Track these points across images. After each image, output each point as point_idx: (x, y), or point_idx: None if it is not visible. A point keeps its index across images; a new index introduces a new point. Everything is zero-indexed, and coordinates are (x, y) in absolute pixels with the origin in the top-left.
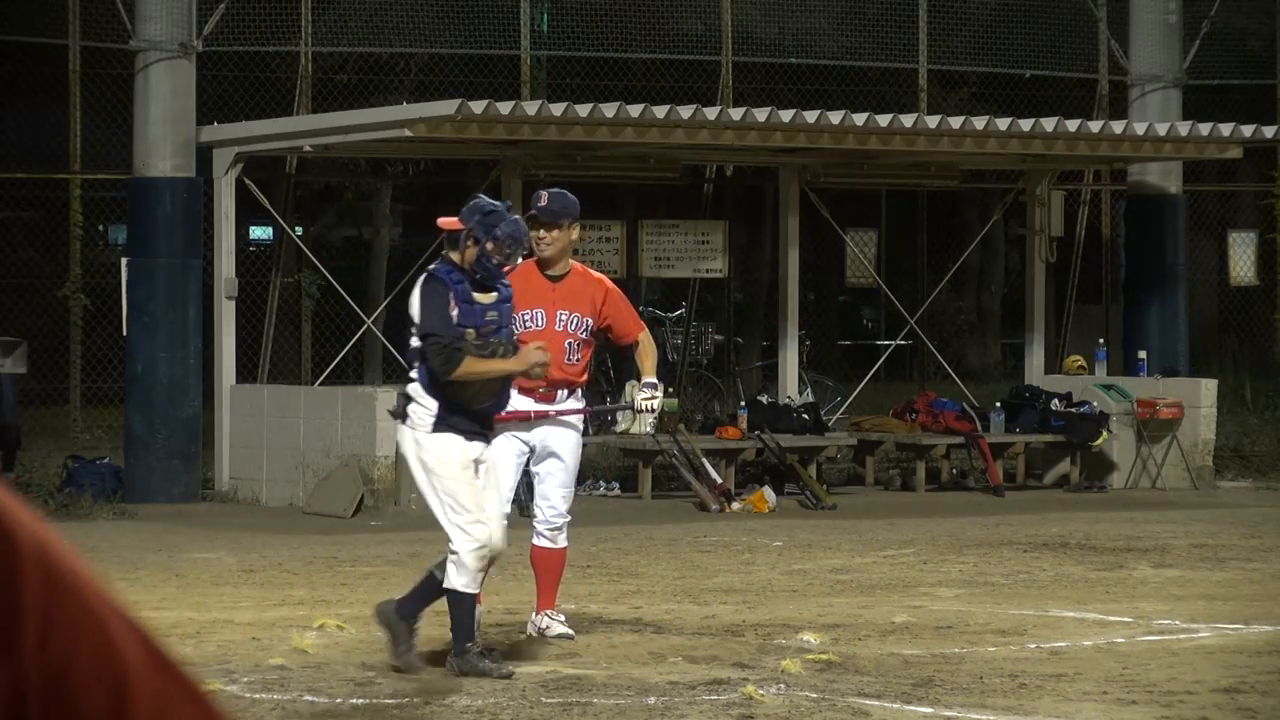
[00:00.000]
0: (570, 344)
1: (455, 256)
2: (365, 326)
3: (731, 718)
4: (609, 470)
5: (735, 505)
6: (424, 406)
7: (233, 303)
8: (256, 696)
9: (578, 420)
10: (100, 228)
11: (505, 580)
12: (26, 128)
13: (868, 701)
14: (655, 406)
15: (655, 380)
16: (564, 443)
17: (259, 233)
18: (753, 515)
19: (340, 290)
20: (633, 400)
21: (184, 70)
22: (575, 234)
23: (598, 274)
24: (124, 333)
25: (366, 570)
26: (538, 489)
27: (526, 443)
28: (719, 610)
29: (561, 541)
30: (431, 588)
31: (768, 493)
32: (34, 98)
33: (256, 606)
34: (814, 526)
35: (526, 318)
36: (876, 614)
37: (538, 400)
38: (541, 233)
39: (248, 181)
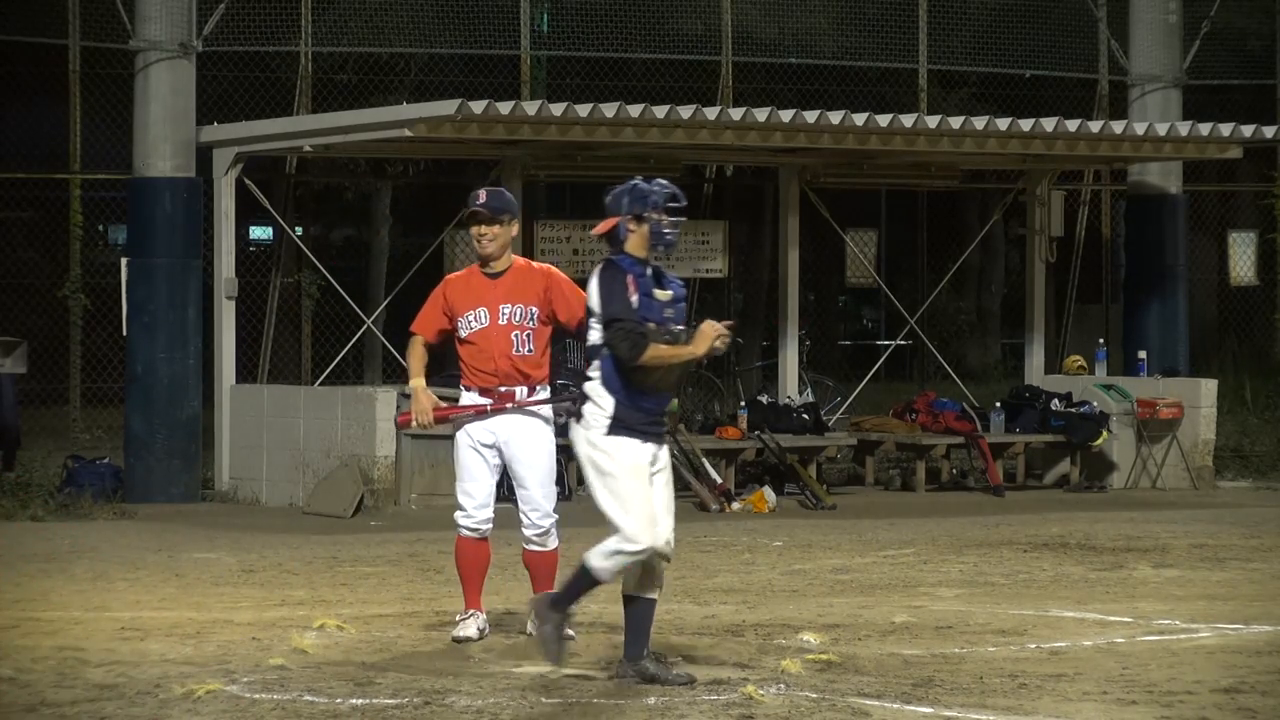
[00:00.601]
0: (518, 335)
1: (629, 249)
2: (365, 326)
3: (731, 718)
4: None
5: (735, 505)
6: (600, 408)
7: (233, 303)
8: (256, 696)
9: (546, 417)
10: (100, 228)
11: (505, 580)
12: (26, 128)
13: (868, 701)
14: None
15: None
16: (533, 443)
17: (259, 233)
18: (753, 515)
19: (340, 290)
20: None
21: (184, 70)
22: (515, 230)
23: (541, 264)
24: (124, 333)
25: (366, 570)
26: (518, 494)
27: (490, 445)
28: (719, 610)
29: (551, 543)
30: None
31: (768, 493)
32: (34, 98)
33: (256, 606)
34: (814, 526)
35: (471, 318)
36: (876, 614)
37: (496, 400)
38: (482, 229)
39: (248, 181)
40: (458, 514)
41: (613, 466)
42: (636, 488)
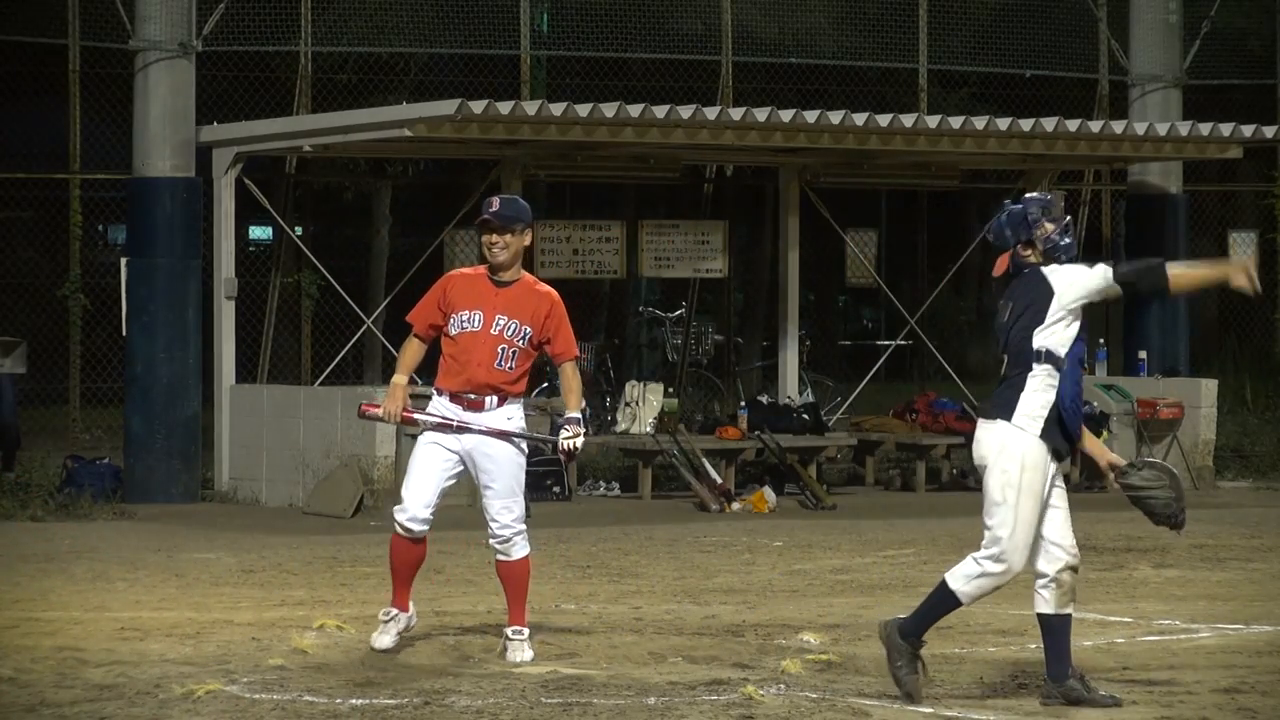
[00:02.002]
0: (503, 349)
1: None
2: (365, 326)
3: (731, 718)
4: (609, 470)
5: (735, 505)
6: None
7: (232, 303)
8: (256, 696)
9: (519, 428)
10: (100, 228)
11: None
12: (26, 128)
13: (868, 701)
14: (577, 445)
15: (577, 416)
16: (497, 453)
17: (259, 233)
18: (753, 515)
19: (340, 290)
20: (557, 438)
21: (184, 70)
22: (528, 239)
23: (546, 287)
24: (124, 333)
25: (366, 570)
26: (483, 502)
27: (453, 450)
28: (719, 610)
29: (516, 553)
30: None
31: (768, 493)
32: (34, 98)
33: (256, 606)
34: (814, 526)
35: (464, 318)
36: (876, 614)
37: (465, 408)
38: (494, 237)
39: (247, 181)
40: (396, 509)
41: (1021, 480)
42: (1032, 508)
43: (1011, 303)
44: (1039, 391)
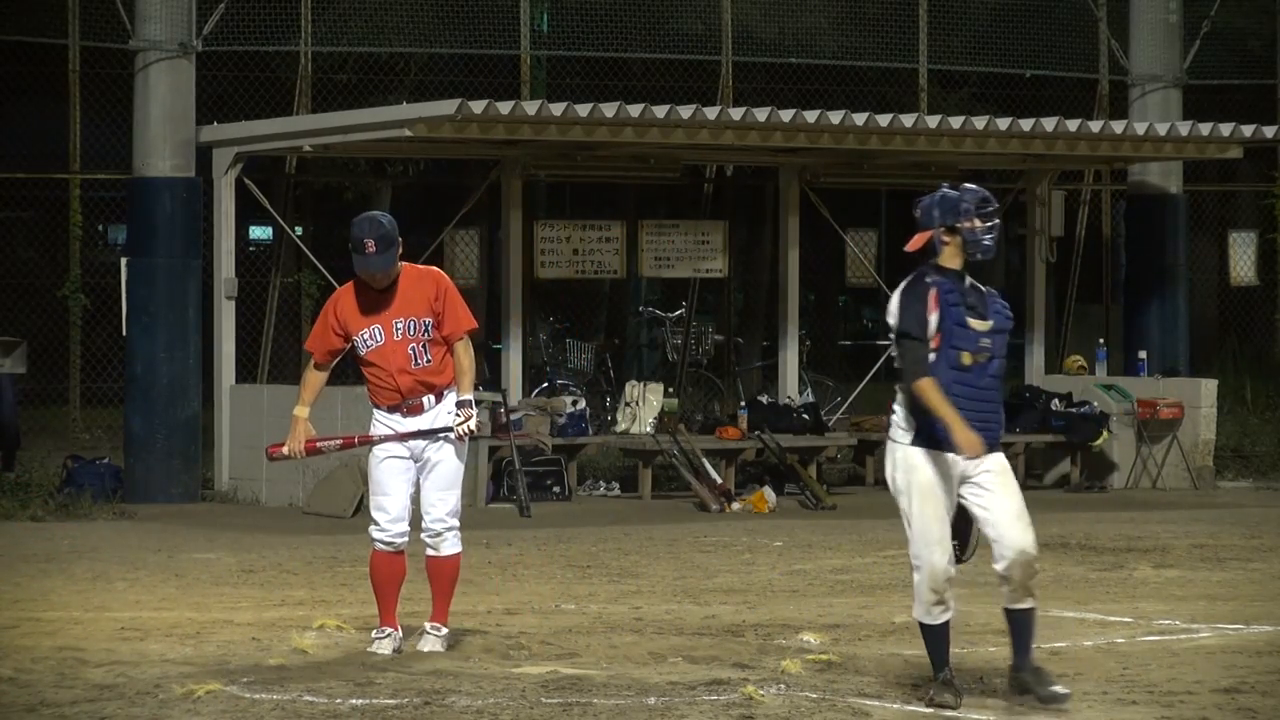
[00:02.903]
0: (414, 349)
1: (943, 262)
2: None
3: (731, 718)
4: (609, 470)
5: (735, 505)
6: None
7: (232, 303)
8: (256, 696)
9: (446, 427)
10: (100, 228)
11: (504, 580)
12: (26, 128)
13: (868, 701)
14: (471, 428)
15: (469, 398)
16: (437, 449)
17: (259, 233)
18: (753, 515)
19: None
20: (450, 427)
21: (184, 70)
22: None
23: (427, 268)
24: (124, 333)
25: (366, 570)
26: (421, 496)
27: (406, 456)
28: (719, 610)
29: (447, 549)
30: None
31: (768, 493)
32: (34, 98)
33: (256, 606)
34: (814, 526)
35: (365, 336)
36: (876, 614)
37: (406, 414)
38: (376, 276)
39: (247, 181)
40: (372, 528)
41: (909, 486)
42: (923, 507)
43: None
44: (902, 403)
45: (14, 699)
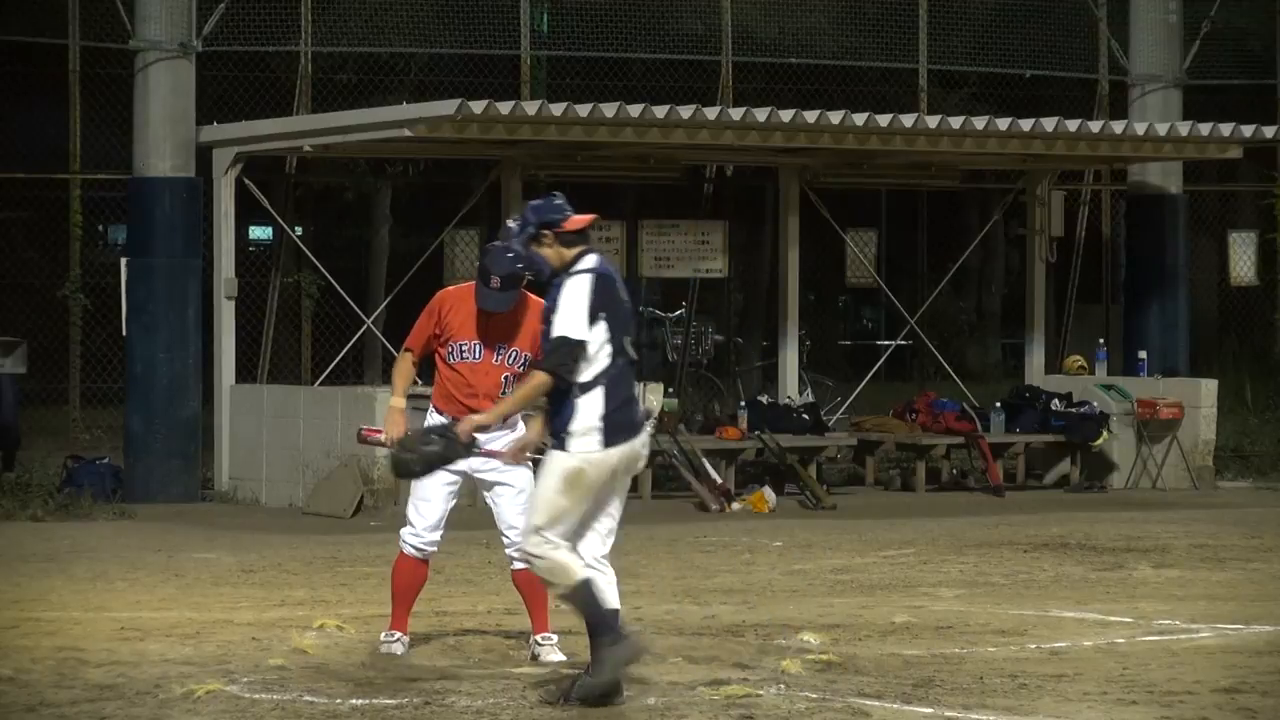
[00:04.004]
0: (506, 378)
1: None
2: (365, 326)
3: (731, 718)
4: None
5: (735, 505)
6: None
7: (232, 303)
8: (256, 696)
9: (520, 435)
10: (100, 228)
11: (505, 580)
12: (26, 128)
13: (868, 701)
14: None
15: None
16: (511, 469)
17: (259, 233)
18: (753, 515)
19: (340, 290)
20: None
21: (184, 70)
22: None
23: (537, 299)
24: (124, 333)
25: (366, 570)
26: (496, 515)
27: (457, 469)
28: (719, 610)
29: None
30: None
31: (768, 493)
32: (34, 98)
33: (256, 606)
34: (814, 526)
35: (464, 348)
36: (876, 614)
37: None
38: (494, 315)
39: (248, 181)
40: (405, 530)
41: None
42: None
43: (622, 285)
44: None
45: (14, 699)
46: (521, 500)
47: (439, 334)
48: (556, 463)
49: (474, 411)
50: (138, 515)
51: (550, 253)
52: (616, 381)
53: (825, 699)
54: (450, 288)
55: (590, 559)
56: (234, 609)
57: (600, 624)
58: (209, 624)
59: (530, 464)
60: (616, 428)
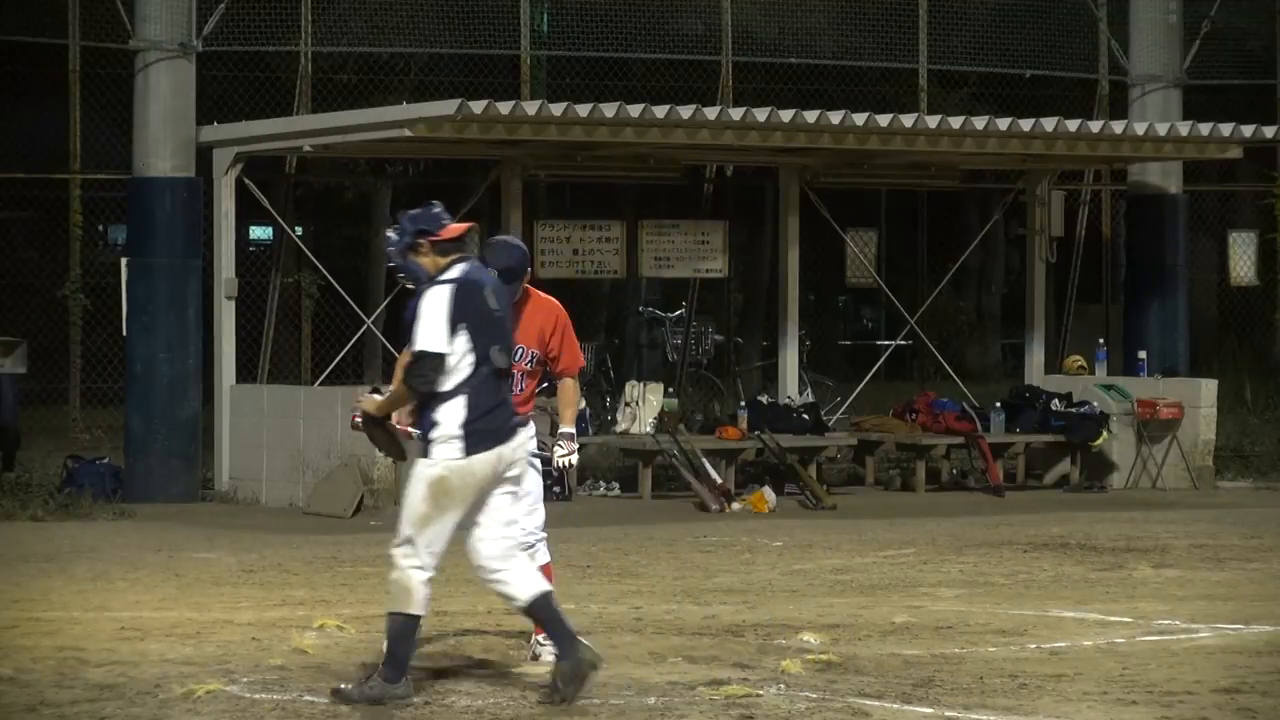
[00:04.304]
0: (516, 375)
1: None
2: (365, 326)
3: (731, 718)
4: (609, 470)
5: (735, 505)
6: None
7: (233, 303)
8: (256, 696)
9: (532, 438)
10: (100, 228)
11: None
12: (26, 128)
13: (868, 701)
14: (572, 462)
15: (573, 431)
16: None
17: (259, 233)
18: (753, 515)
19: (340, 290)
20: (551, 454)
21: (184, 70)
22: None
23: (549, 299)
24: (124, 333)
25: (366, 570)
26: None
27: None
28: (719, 610)
29: (540, 559)
30: None
31: (768, 493)
32: (34, 98)
33: (256, 606)
34: (814, 526)
35: None
36: (876, 614)
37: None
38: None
39: (248, 181)
40: None
41: None
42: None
43: (497, 293)
44: None
45: (14, 699)
46: (529, 502)
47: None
48: (421, 471)
49: None
50: (138, 515)
51: (427, 261)
52: (479, 390)
53: (825, 699)
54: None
55: (486, 561)
56: (234, 609)
57: (392, 659)
58: (209, 624)
59: (537, 468)
60: (479, 436)
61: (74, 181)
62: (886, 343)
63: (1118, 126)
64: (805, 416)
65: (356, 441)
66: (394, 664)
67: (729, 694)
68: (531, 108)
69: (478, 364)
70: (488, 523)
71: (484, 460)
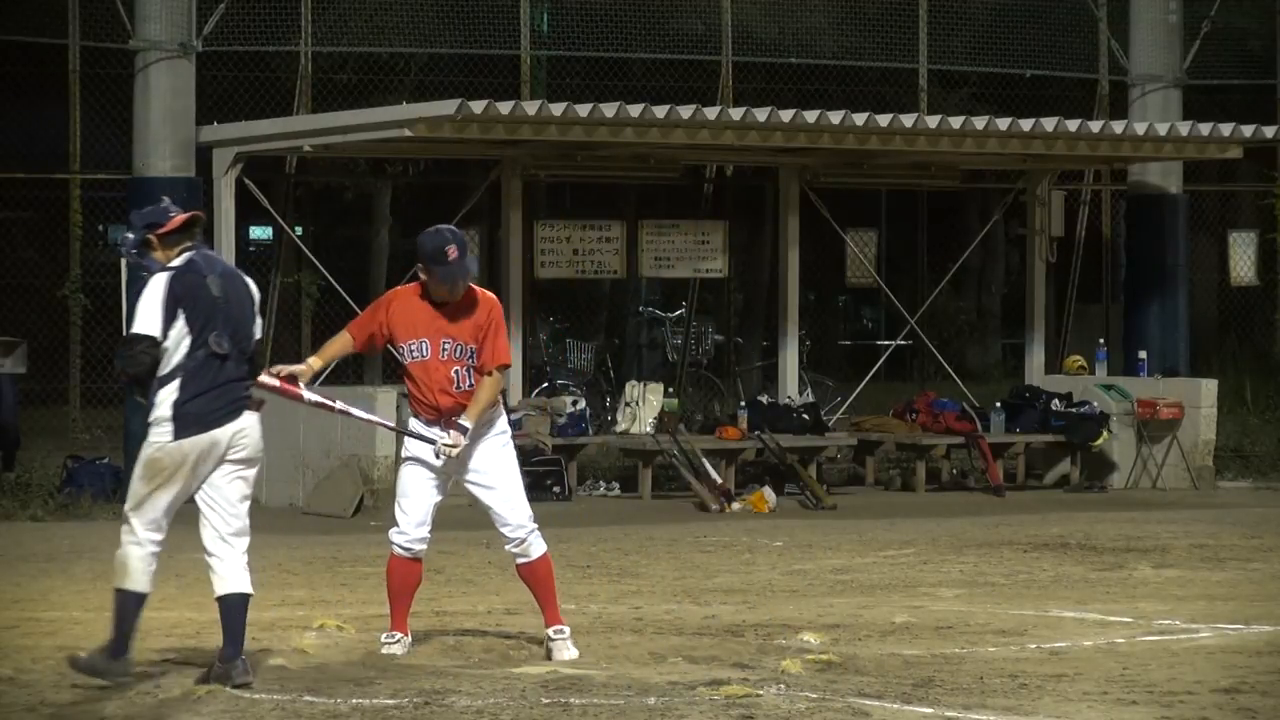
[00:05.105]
0: (457, 372)
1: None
2: None
3: (731, 718)
4: (609, 470)
5: (735, 505)
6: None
7: None
8: (256, 696)
9: (501, 429)
10: (100, 228)
11: (505, 580)
12: (26, 128)
13: (868, 701)
14: (450, 454)
15: (467, 426)
16: (493, 460)
17: (259, 233)
18: (753, 515)
19: (340, 290)
20: (437, 440)
21: (184, 70)
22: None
23: (484, 293)
24: (124, 333)
25: (366, 570)
26: (491, 516)
27: (435, 468)
28: (719, 610)
29: (535, 552)
30: None
31: (768, 493)
32: (34, 98)
33: (256, 606)
34: (814, 526)
35: (411, 348)
36: (876, 614)
37: (445, 429)
38: (460, 284)
39: (248, 181)
40: (392, 531)
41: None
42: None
43: (222, 279)
44: None
45: (14, 699)
46: (509, 495)
47: (387, 334)
48: (141, 451)
49: (443, 410)
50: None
51: (159, 255)
52: (194, 374)
53: (825, 699)
54: (400, 287)
55: (206, 542)
56: None
57: (118, 638)
58: (209, 624)
59: (510, 461)
60: (189, 419)
61: (74, 181)
62: (886, 343)
63: (1118, 126)
64: (805, 416)
65: (356, 442)
66: (117, 639)
67: (729, 694)
68: (531, 108)
69: (193, 348)
70: (214, 504)
71: (193, 443)
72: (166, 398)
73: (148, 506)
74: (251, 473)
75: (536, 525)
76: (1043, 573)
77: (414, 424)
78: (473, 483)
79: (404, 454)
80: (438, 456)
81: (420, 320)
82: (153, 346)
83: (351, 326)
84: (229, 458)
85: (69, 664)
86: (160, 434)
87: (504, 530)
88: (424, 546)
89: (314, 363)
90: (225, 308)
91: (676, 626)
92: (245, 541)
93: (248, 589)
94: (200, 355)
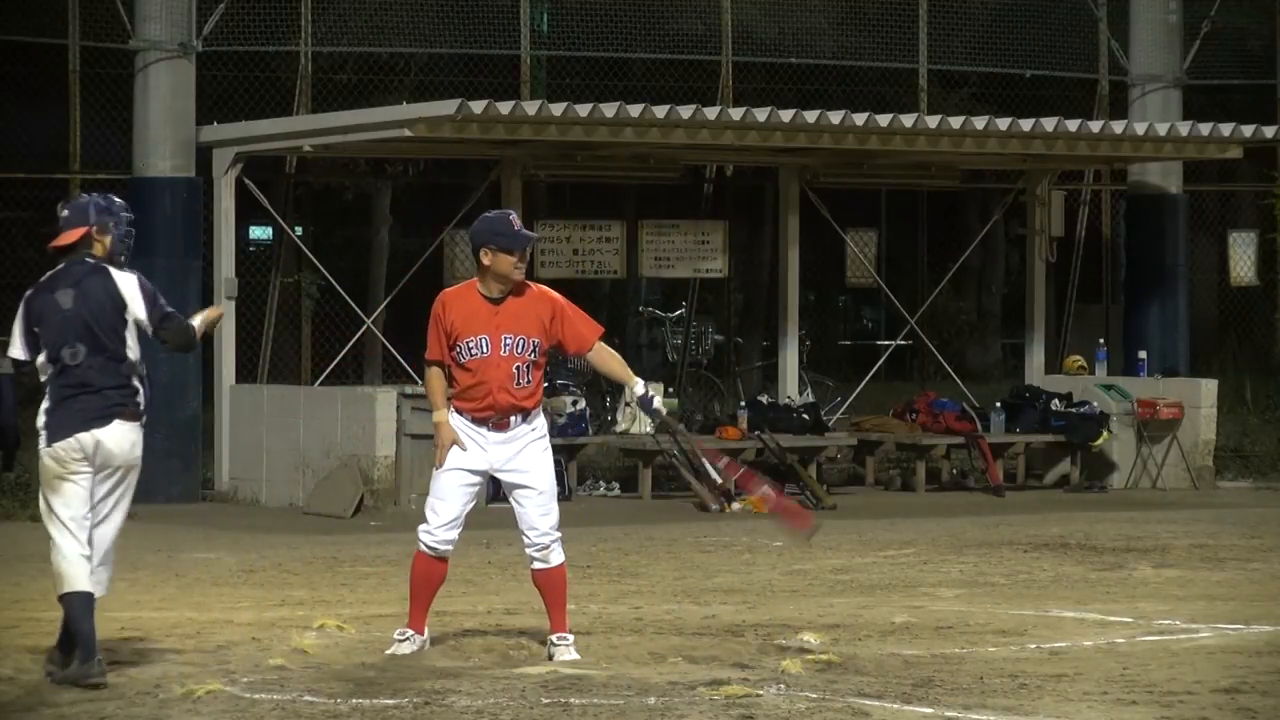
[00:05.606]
0: (518, 368)
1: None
2: (365, 326)
3: (731, 718)
4: (609, 470)
5: (735, 505)
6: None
7: (232, 303)
8: (256, 696)
9: (542, 431)
10: None
11: (505, 580)
12: (26, 128)
13: (868, 702)
14: (659, 406)
15: (641, 390)
16: (532, 464)
17: (259, 233)
18: (753, 515)
19: (340, 290)
20: (642, 404)
21: (184, 70)
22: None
23: (540, 288)
24: None
25: (366, 570)
26: (518, 515)
27: (477, 470)
28: (719, 610)
29: (554, 560)
30: None
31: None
32: (34, 98)
33: (256, 606)
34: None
35: (471, 344)
36: (876, 614)
37: (491, 429)
38: (519, 258)
39: (248, 181)
40: (421, 527)
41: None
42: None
43: (78, 290)
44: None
45: (14, 699)
46: (543, 501)
47: (449, 334)
48: None
49: (499, 409)
50: (137, 515)
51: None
52: (56, 384)
53: (825, 699)
54: (447, 289)
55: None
56: (234, 609)
57: (82, 642)
58: (209, 624)
59: (550, 467)
60: (56, 426)
61: (74, 181)
62: (886, 343)
63: (1118, 127)
64: (805, 416)
65: (356, 442)
66: (81, 645)
67: (729, 694)
68: (531, 108)
69: (50, 361)
70: (93, 508)
71: (63, 447)
72: (42, 408)
73: (57, 513)
74: (117, 481)
75: (560, 534)
76: (1043, 573)
77: (460, 421)
78: (511, 483)
79: (446, 465)
80: (655, 418)
81: (479, 317)
82: (23, 366)
83: (429, 355)
84: (101, 464)
85: (47, 679)
86: (40, 441)
87: (529, 534)
88: (450, 547)
89: (443, 415)
90: (76, 319)
91: (676, 626)
92: (105, 547)
93: (90, 590)
94: (59, 366)
